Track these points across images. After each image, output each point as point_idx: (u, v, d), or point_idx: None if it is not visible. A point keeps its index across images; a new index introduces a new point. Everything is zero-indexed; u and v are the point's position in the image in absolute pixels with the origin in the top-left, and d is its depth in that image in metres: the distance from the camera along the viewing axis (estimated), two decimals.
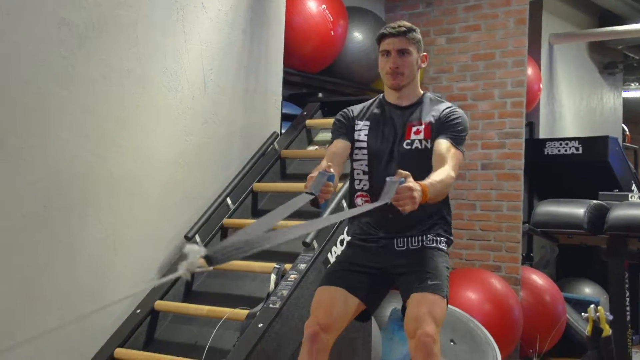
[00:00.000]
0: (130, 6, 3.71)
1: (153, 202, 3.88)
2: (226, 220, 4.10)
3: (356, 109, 2.90)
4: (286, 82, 4.89)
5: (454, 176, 2.60)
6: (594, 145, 6.58)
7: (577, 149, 6.53)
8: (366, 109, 2.89)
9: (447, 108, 2.78)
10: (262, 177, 4.33)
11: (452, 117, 2.74)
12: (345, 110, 2.92)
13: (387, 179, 2.35)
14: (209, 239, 3.99)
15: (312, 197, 2.41)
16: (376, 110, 2.86)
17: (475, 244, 5.66)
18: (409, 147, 2.75)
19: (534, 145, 6.61)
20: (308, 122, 4.65)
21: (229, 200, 4.15)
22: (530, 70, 6.14)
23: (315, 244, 3.59)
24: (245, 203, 4.24)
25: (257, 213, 4.28)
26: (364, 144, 2.81)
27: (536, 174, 6.58)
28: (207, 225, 4.02)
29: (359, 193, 2.83)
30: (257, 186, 4.28)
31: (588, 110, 8.04)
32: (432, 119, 2.76)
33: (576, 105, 7.77)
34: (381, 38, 2.80)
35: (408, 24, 2.78)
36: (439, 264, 2.72)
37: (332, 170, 2.50)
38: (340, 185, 3.62)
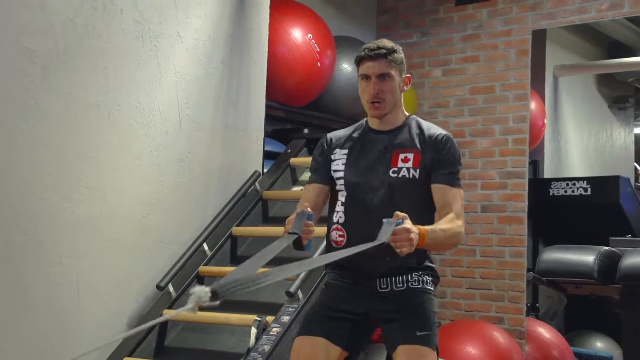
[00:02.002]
0: (99, 35, 3.76)
1: (122, 248, 3.89)
2: (202, 268, 4.10)
3: (335, 135, 2.96)
4: (269, 117, 4.93)
5: (461, 224, 2.69)
6: (604, 185, 6.61)
7: (585, 189, 6.56)
8: (347, 136, 2.93)
9: (442, 137, 2.81)
10: (242, 221, 4.34)
11: (450, 152, 2.78)
12: (322, 140, 2.97)
13: (384, 220, 2.44)
14: (184, 288, 3.99)
15: (294, 237, 2.52)
16: (357, 137, 2.91)
17: (475, 293, 5.66)
18: (395, 175, 2.77)
19: (539, 186, 6.63)
20: (292, 160, 4.68)
21: (205, 246, 4.16)
22: (533, 105, 6.20)
23: (300, 293, 3.59)
24: (223, 249, 4.25)
25: (236, 259, 4.28)
26: (341, 174, 2.85)
27: (541, 217, 6.58)
28: (182, 272, 4.02)
29: (334, 226, 2.85)
30: (237, 230, 4.30)
31: (597, 147, 8.10)
32: (424, 146, 2.80)
33: (584, 143, 7.83)
34: (360, 61, 2.87)
35: (389, 44, 2.83)
36: (427, 309, 2.74)
37: (309, 209, 2.63)
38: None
